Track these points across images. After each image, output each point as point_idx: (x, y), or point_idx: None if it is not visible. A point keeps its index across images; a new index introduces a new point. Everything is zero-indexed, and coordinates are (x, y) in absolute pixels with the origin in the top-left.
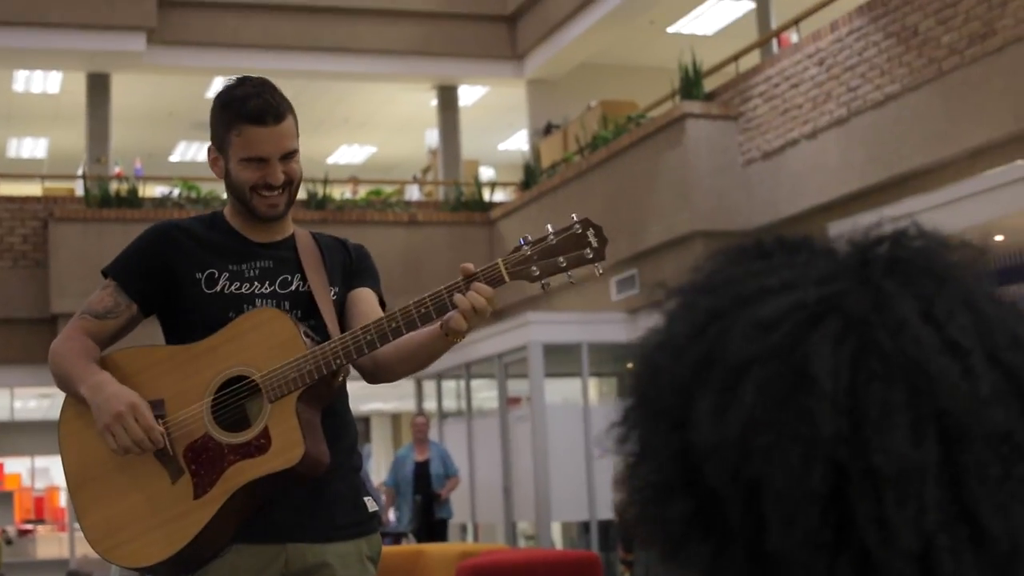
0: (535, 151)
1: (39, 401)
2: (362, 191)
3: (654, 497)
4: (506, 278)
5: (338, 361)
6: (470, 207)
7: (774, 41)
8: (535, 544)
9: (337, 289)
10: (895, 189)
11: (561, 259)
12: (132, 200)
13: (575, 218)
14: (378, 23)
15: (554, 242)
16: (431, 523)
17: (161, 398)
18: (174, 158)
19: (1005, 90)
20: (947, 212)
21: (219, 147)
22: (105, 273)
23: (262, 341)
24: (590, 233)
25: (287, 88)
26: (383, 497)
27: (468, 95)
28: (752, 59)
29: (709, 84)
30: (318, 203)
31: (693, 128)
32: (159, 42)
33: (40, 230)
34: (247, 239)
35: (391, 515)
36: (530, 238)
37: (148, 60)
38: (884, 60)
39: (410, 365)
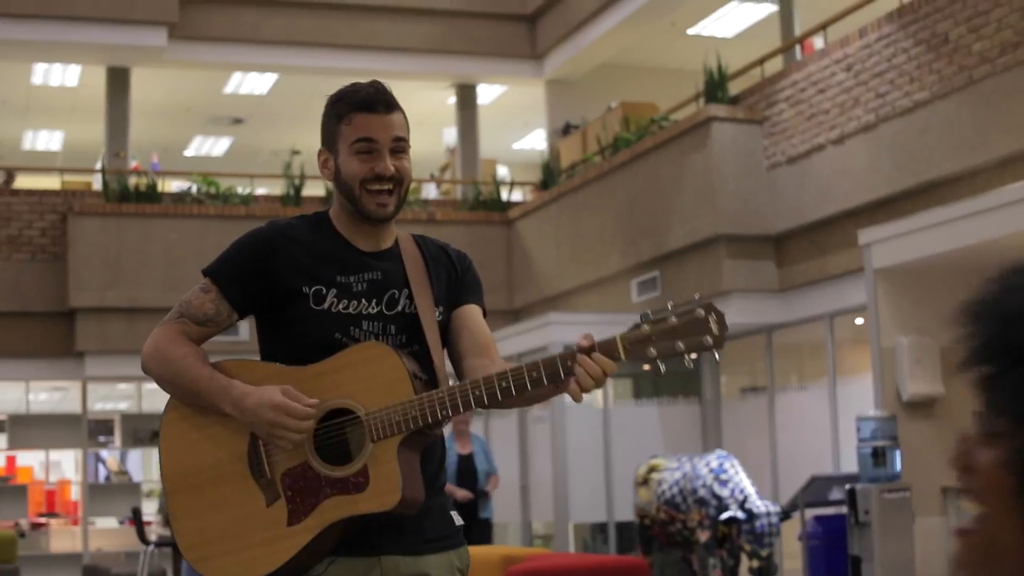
0: (554, 151)
1: (51, 394)
2: None
3: None
4: (622, 356)
5: (444, 412)
6: (488, 206)
7: (797, 46)
8: (545, 545)
9: (442, 309)
10: (923, 196)
11: (680, 343)
12: (151, 195)
13: (697, 298)
14: (398, 21)
15: (675, 323)
16: (476, 523)
17: None
18: (189, 152)
19: None
20: (976, 222)
21: (329, 144)
22: (205, 273)
23: (371, 377)
24: (712, 318)
25: (304, 84)
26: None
27: (487, 94)
28: (776, 63)
29: (733, 87)
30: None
31: (718, 131)
32: (180, 37)
33: (59, 224)
34: (354, 247)
35: None
36: (650, 314)
37: (169, 55)
38: (914, 67)
39: (514, 404)
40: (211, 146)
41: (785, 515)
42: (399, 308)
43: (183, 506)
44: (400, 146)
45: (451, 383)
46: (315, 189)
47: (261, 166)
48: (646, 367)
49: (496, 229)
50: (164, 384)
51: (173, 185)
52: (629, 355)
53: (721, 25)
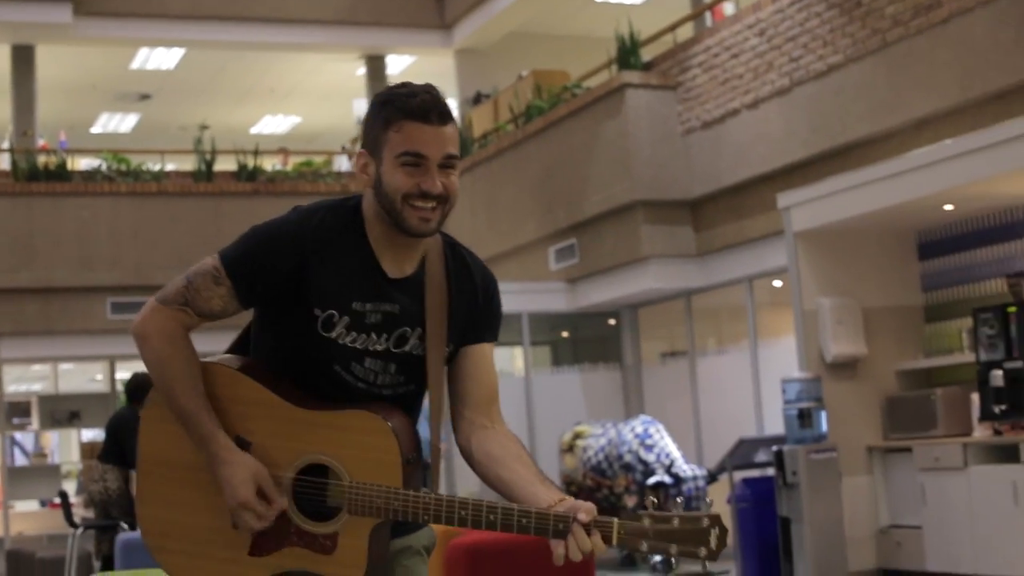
0: (466, 120)
1: None
2: (292, 163)
3: None
4: (614, 543)
5: (426, 518)
6: None
7: (707, 14)
8: None
9: (452, 347)
10: (839, 159)
11: (675, 547)
12: (61, 173)
13: (710, 509)
14: None
15: (675, 527)
16: None
17: (250, 441)
18: (96, 130)
19: (951, 61)
20: (893, 183)
21: (372, 148)
22: (222, 261)
23: (364, 449)
24: (714, 533)
25: (213, 59)
26: None
27: (396, 64)
28: (687, 30)
29: (645, 54)
30: (249, 174)
31: (632, 98)
32: (85, 13)
33: None
34: (380, 269)
35: None
36: (653, 508)
37: (74, 32)
38: (827, 31)
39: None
40: (118, 122)
41: (712, 478)
42: (407, 348)
43: (152, 492)
44: (450, 163)
45: (441, 459)
46: (226, 164)
47: (169, 141)
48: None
49: None
50: (153, 380)
51: (82, 163)
52: (621, 545)
53: None
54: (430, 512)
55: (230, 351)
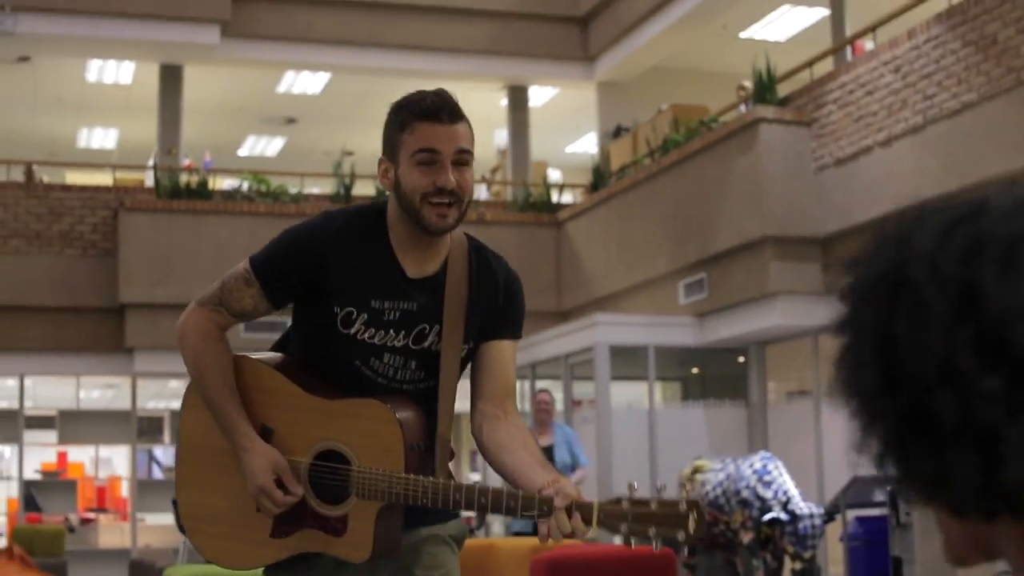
0: (604, 153)
1: (103, 391)
2: None
3: (951, 393)
4: (594, 524)
5: (424, 500)
6: (538, 208)
7: (848, 48)
8: None
9: (470, 344)
10: (970, 199)
11: (653, 529)
12: (202, 192)
13: (686, 496)
14: (450, 21)
15: (654, 510)
16: None
17: (272, 428)
18: (243, 152)
19: None
20: None
21: (390, 153)
22: (252, 264)
23: (372, 436)
24: (692, 517)
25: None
26: None
27: (538, 96)
28: (826, 65)
29: (783, 90)
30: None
31: (766, 133)
32: (232, 35)
33: (110, 219)
34: (401, 270)
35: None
36: (634, 493)
37: (221, 53)
38: (961, 69)
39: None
40: (264, 146)
41: (829, 517)
42: (426, 344)
43: (189, 476)
44: (463, 158)
45: (449, 449)
46: (365, 189)
47: (314, 166)
48: (617, 540)
49: (545, 230)
50: (189, 373)
51: (225, 183)
52: (601, 525)
53: (773, 29)
54: (428, 495)
55: (272, 349)
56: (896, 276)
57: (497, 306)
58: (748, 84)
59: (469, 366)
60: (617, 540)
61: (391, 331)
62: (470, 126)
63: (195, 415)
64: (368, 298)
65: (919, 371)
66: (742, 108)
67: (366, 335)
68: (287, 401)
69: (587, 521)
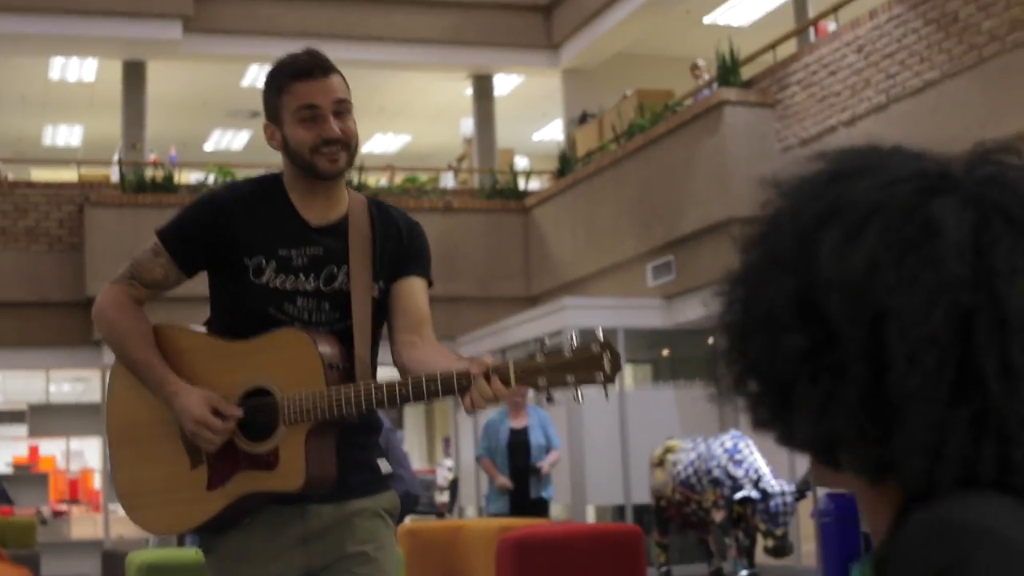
0: (570, 140)
1: (73, 384)
2: (398, 179)
3: (766, 339)
4: (512, 382)
5: (348, 409)
6: (505, 195)
7: (811, 30)
8: None
9: (381, 284)
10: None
11: (570, 376)
12: (167, 186)
13: (599, 336)
14: (413, 12)
15: (568, 358)
16: (527, 503)
17: (195, 381)
18: (208, 146)
19: None
20: None
21: (273, 117)
22: (158, 235)
23: (288, 362)
24: (606, 356)
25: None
26: (487, 467)
27: (503, 84)
28: (789, 47)
29: (747, 72)
30: (354, 189)
31: (731, 115)
32: (195, 30)
33: (76, 215)
34: (302, 220)
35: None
36: (546, 345)
37: (184, 48)
38: (923, 47)
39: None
40: (230, 140)
41: (800, 494)
42: (335, 285)
43: (121, 458)
44: (342, 107)
45: (370, 369)
46: None
47: (279, 159)
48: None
49: (513, 217)
50: (109, 345)
51: (191, 177)
52: (520, 383)
53: (736, 14)
54: (351, 402)
55: None
56: (769, 220)
57: (401, 246)
58: (702, 63)
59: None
60: (538, 395)
61: (300, 275)
62: (343, 77)
63: (119, 398)
64: (275, 247)
65: (754, 313)
66: (704, 93)
67: (277, 281)
68: (207, 354)
69: (505, 382)
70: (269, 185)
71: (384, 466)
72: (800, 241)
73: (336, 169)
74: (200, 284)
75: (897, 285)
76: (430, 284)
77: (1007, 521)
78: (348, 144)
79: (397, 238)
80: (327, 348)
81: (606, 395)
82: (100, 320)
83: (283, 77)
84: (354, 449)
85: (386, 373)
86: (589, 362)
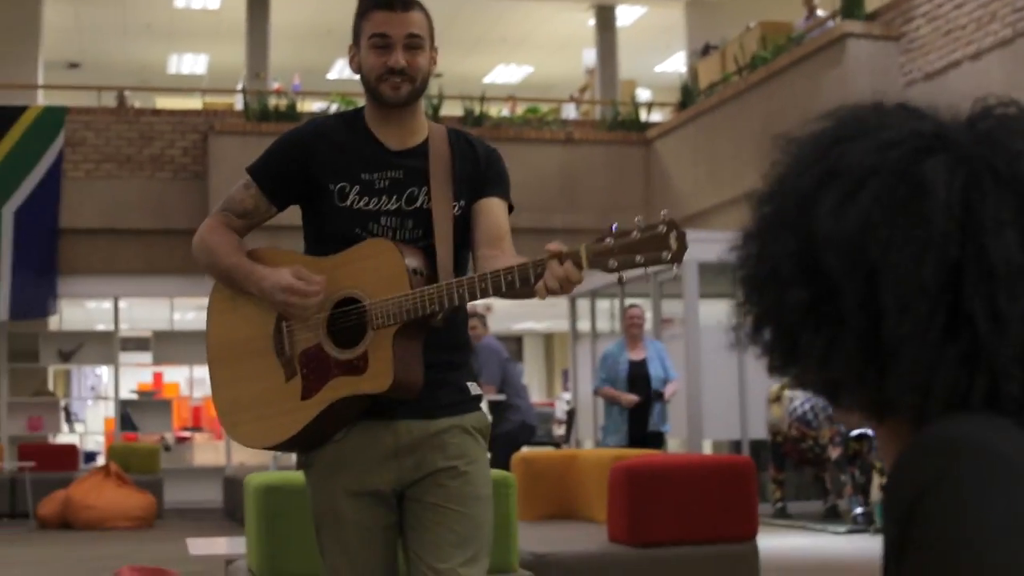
0: (693, 72)
1: (197, 312)
2: (520, 109)
3: (774, 293)
4: (584, 265)
5: (433, 307)
6: (627, 127)
7: None
8: None
9: (462, 203)
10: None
11: (639, 256)
12: (291, 114)
13: (664, 216)
14: None
15: (637, 238)
16: (645, 436)
17: None
18: (331, 75)
19: None
20: None
21: (355, 39)
22: (248, 171)
23: (375, 270)
24: (672, 236)
25: (445, 7)
26: (610, 393)
27: (626, 15)
28: None
29: (871, 4)
30: (475, 120)
31: (854, 48)
32: None
33: (200, 143)
34: (382, 145)
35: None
36: (616, 227)
37: None
38: None
39: (506, 297)
40: None
41: None
42: (417, 204)
43: (219, 376)
44: (414, 42)
45: (453, 278)
46: (454, 109)
47: None
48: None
49: (634, 149)
50: (207, 269)
51: (314, 106)
52: (592, 265)
53: None
54: (435, 299)
55: None
56: (776, 178)
57: (479, 169)
58: None
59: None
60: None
61: (383, 197)
62: (427, 15)
63: (217, 319)
64: (357, 172)
65: (762, 268)
66: (824, 26)
67: (361, 203)
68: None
69: (577, 264)
70: (350, 117)
71: (474, 388)
72: (800, 202)
73: (397, 97)
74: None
75: (889, 242)
76: (511, 207)
77: (996, 436)
78: (413, 77)
79: (475, 161)
80: (411, 255)
81: (674, 273)
82: (196, 246)
83: (366, 4)
84: (445, 369)
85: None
86: (656, 241)
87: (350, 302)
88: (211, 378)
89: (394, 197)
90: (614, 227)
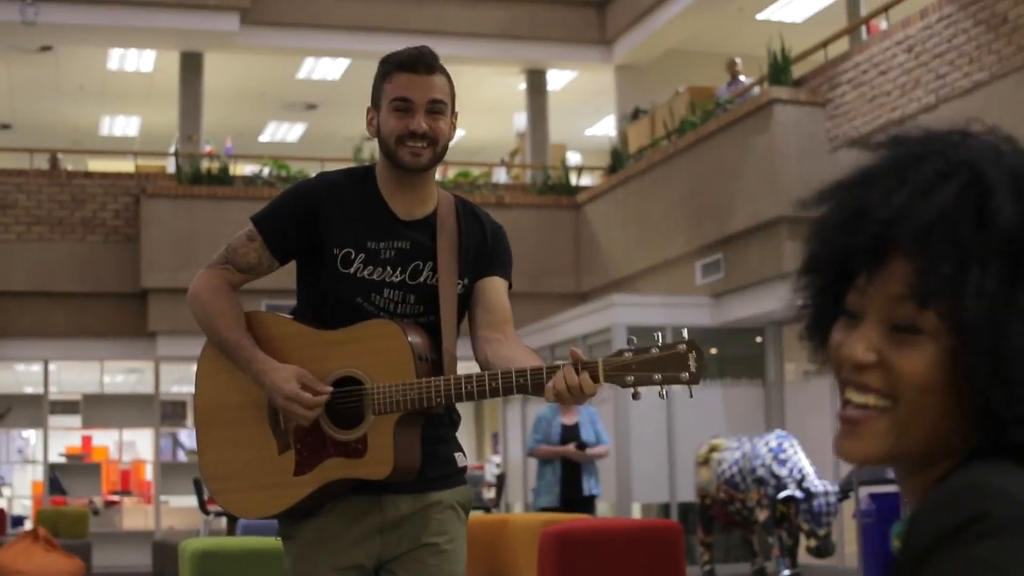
0: (623, 136)
1: (127, 375)
2: (451, 173)
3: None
4: (601, 380)
5: (439, 400)
6: (557, 190)
7: (863, 28)
8: None
9: (466, 281)
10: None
11: (658, 375)
12: (223, 178)
13: (685, 336)
14: (467, 6)
15: (656, 356)
16: (579, 499)
17: None
18: (264, 138)
19: None
20: None
21: (375, 102)
22: (253, 222)
23: (380, 353)
24: (692, 356)
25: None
26: (547, 451)
27: (557, 79)
28: (841, 46)
29: (797, 71)
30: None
31: (781, 113)
32: (252, 22)
33: (132, 206)
34: (391, 213)
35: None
36: (635, 343)
37: (241, 40)
38: (973, 48)
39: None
40: (286, 132)
41: (843, 495)
42: (421, 279)
43: (209, 439)
44: (437, 108)
45: (456, 363)
46: None
47: (334, 152)
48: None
49: (564, 213)
50: (202, 329)
51: (246, 169)
52: (608, 380)
53: (789, 10)
54: (440, 393)
55: None
56: (970, 168)
57: (486, 246)
58: (739, 60)
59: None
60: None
61: (388, 268)
62: (449, 80)
63: (208, 380)
64: (363, 239)
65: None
66: (740, 80)
67: (364, 272)
68: (297, 341)
69: (594, 378)
70: (360, 177)
71: (460, 460)
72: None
73: (417, 163)
74: (282, 278)
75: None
76: (510, 286)
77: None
78: (435, 141)
79: (482, 238)
80: (417, 339)
81: (691, 394)
82: (194, 301)
83: (389, 66)
84: (434, 442)
85: (464, 368)
86: (676, 361)
87: (349, 381)
88: (198, 441)
89: (399, 269)
90: (631, 341)
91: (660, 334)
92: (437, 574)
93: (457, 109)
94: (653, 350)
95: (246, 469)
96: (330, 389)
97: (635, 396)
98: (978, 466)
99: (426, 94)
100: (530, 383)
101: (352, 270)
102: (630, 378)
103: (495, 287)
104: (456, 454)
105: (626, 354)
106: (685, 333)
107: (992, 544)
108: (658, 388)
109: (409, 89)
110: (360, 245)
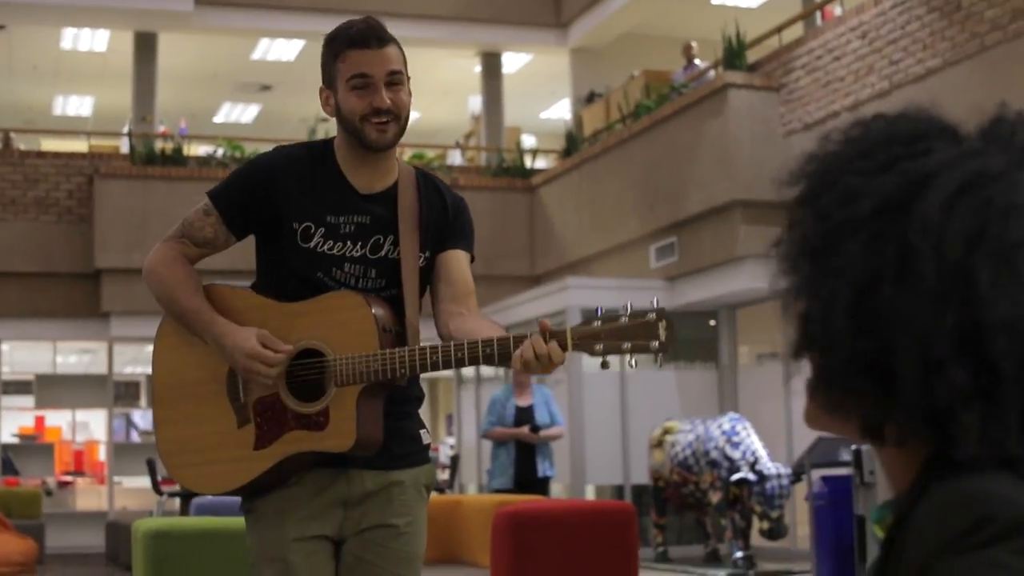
0: (577, 119)
1: (80, 356)
2: (406, 155)
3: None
4: (569, 348)
5: (402, 371)
6: (511, 173)
7: (817, 14)
8: None
9: (427, 254)
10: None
11: (627, 344)
12: (177, 158)
13: (655, 304)
14: None
15: (625, 324)
16: (534, 480)
17: None
18: (218, 119)
19: None
20: None
21: (328, 83)
22: (209, 196)
23: (343, 325)
24: (662, 325)
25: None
26: (501, 433)
27: (512, 62)
28: (795, 31)
29: (752, 56)
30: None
31: (735, 98)
32: (206, 2)
33: (85, 186)
34: (351, 187)
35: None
36: (603, 311)
37: (195, 21)
38: (927, 34)
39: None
40: (240, 113)
41: (796, 477)
42: (382, 253)
43: (166, 415)
44: (395, 79)
45: (419, 335)
46: None
47: (289, 133)
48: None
49: (519, 196)
50: (159, 302)
51: (200, 150)
52: (576, 348)
53: None
54: (405, 364)
55: None
56: (894, 229)
57: (447, 220)
58: (695, 44)
59: (429, 289)
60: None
61: (348, 242)
62: (400, 48)
63: (165, 358)
64: (323, 213)
65: (894, 332)
66: (695, 65)
67: (325, 247)
68: (259, 314)
69: (563, 346)
70: (319, 151)
71: (425, 437)
72: (947, 270)
73: (384, 140)
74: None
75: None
76: (472, 259)
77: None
78: (398, 115)
79: (443, 211)
80: (381, 311)
81: (658, 363)
82: (151, 274)
83: (340, 44)
84: (400, 417)
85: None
86: (645, 329)
87: (311, 353)
88: (155, 417)
89: (359, 244)
90: (599, 310)
91: (630, 303)
92: (395, 556)
93: (411, 89)
94: (623, 319)
95: (204, 444)
96: (291, 348)
97: (604, 365)
98: (971, 477)
99: (384, 67)
100: (497, 353)
101: (312, 244)
102: (599, 346)
103: (457, 260)
104: (421, 431)
105: (595, 323)
106: (656, 302)
107: (1002, 547)
108: (628, 357)
109: (367, 65)
110: (319, 219)
